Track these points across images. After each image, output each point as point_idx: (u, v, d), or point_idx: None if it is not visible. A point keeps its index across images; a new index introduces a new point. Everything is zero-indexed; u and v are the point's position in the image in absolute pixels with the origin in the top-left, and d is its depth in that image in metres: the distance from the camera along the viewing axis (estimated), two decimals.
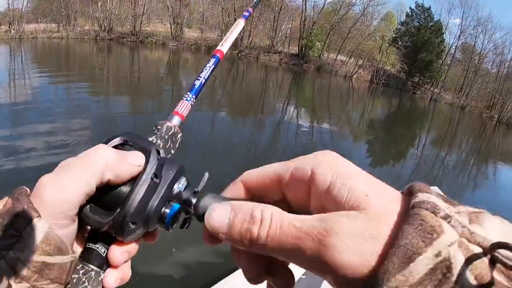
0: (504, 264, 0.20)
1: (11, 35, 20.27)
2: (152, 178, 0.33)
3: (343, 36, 28.97)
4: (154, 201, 0.33)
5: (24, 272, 0.27)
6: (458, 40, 30.18)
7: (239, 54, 27.01)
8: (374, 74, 29.12)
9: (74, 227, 0.32)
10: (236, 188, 0.32)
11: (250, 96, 14.53)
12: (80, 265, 0.33)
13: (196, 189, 0.34)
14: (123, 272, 0.35)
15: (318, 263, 0.23)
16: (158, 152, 0.35)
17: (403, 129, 14.68)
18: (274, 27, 29.13)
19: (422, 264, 0.20)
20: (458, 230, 0.22)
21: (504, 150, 17.09)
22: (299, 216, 0.25)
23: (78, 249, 0.34)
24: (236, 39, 0.65)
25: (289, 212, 0.26)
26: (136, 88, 11.91)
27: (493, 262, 0.20)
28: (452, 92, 30.04)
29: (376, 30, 31.29)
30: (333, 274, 0.23)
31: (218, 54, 0.55)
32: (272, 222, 0.25)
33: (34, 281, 0.28)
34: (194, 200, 0.33)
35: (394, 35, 30.10)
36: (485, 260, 0.20)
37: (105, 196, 0.33)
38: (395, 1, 51.47)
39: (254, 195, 0.31)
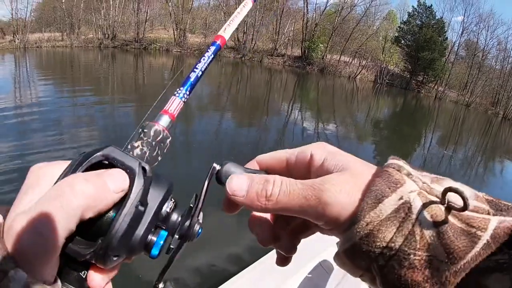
0: (456, 209, 0.26)
1: (16, 45, 20.54)
2: (136, 207, 0.29)
3: (346, 37, 28.97)
4: (140, 231, 0.30)
5: None
6: (460, 38, 30.08)
7: (243, 58, 27.08)
8: (378, 74, 29.07)
9: (56, 261, 0.28)
10: (252, 165, 0.38)
11: (255, 99, 14.56)
12: (61, 286, 0.29)
13: (186, 211, 0.34)
14: None
15: (320, 206, 0.29)
16: (144, 170, 0.30)
17: (409, 128, 14.60)
18: (277, 30, 29.21)
19: (389, 205, 0.27)
20: (419, 184, 0.28)
21: (511, 146, 16.95)
22: (302, 180, 0.32)
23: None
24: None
25: None
26: (141, 94, 11.99)
27: (449, 209, 0.26)
28: (456, 90, 29.84)
29: (379, 29, 31.25)
30: (329, 216, 0.29)
31: (219, 41, 0.45)
32: (283, 183, 0.31)
33: None
34: (186, 222, 0.33)
35: (396, 34, 30.02)
36: (441, 206, 0.26)
37: (86, 226, 0.29)
38: (398, 0, 51.38)
39: (267, 173, 0.37)
